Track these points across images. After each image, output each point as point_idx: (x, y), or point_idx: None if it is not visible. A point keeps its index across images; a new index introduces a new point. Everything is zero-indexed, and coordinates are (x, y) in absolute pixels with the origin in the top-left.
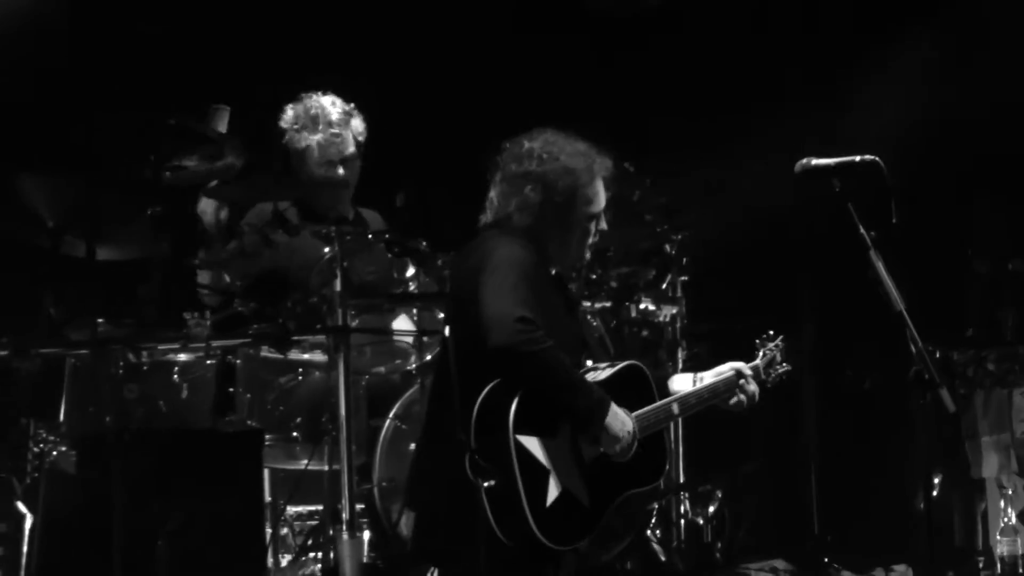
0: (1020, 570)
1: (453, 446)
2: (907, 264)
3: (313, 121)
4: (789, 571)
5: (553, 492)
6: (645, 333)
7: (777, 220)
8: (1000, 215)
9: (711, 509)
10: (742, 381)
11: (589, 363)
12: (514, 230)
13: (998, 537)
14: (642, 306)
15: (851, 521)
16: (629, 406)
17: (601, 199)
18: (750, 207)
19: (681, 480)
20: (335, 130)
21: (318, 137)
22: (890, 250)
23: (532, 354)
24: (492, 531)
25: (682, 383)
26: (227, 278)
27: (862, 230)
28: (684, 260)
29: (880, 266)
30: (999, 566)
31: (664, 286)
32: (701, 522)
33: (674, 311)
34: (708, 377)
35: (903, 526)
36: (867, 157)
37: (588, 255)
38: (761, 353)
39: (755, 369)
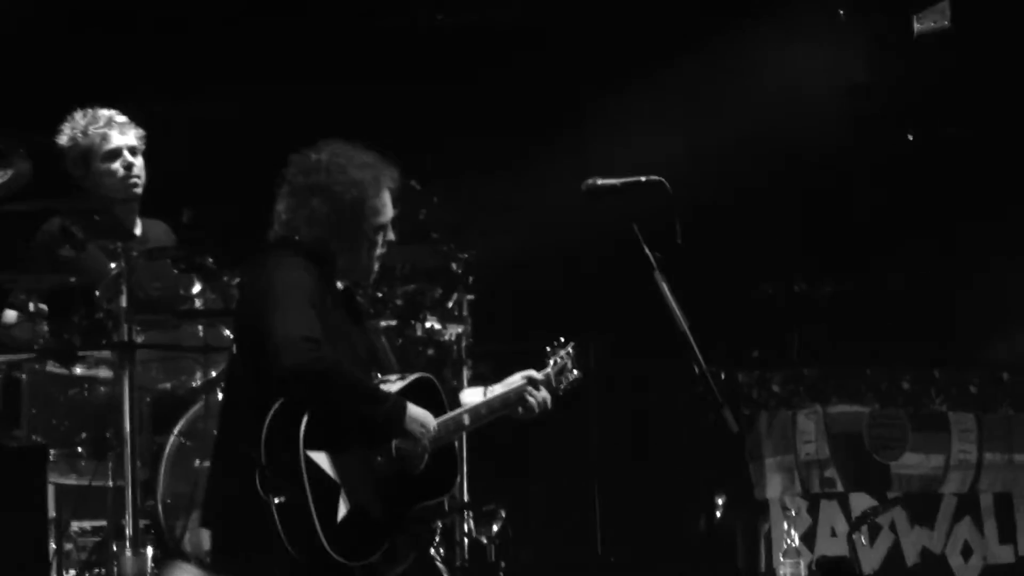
0: None
1: (244, 463)
2: (694, 284)
3: (93, 120)
4: None
5: (344, 507)
6: (431, 352)
7: (566, 239)
8: (788, 236)
9: (495, 528)
10: (530, 388)
11: (379, 376)
12: (299, 247)
13: (781, 559)
14: (428, 325)
15: (635, 542)
16: None
17: (388, 210)
18: (539, 226)
19: (465, 499)
20: (119, 119)
21: (101, 130)
22: (676, 270)
23: (321, 373)
24: (284, 548)
25: (472, 396)
26: (22, 296)
27: (647, 250)
28: (470, 279)
29: (665, 287)
30: None
31: (450, 305)
32: (485, 541)
33: (460, 330)
34: (499, 388)
35: (687, 547)
36: (652, 177)
37: (376, 267)
38: (552, 361)
39: (546, 376)
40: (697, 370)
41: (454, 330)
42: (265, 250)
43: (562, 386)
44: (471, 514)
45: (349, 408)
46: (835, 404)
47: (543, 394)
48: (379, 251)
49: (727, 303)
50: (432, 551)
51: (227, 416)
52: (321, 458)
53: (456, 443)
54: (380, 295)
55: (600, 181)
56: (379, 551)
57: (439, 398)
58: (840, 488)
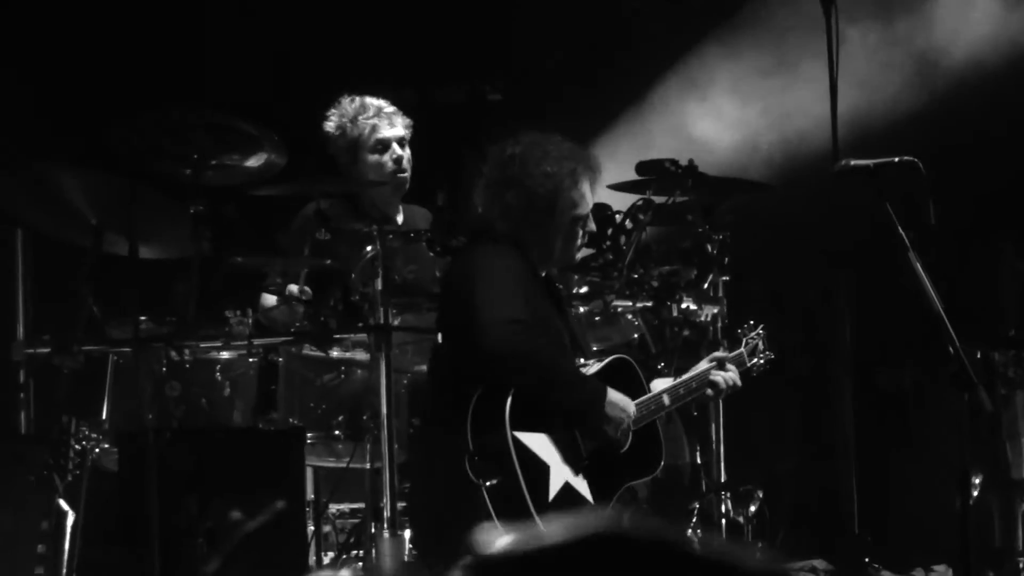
0: None
1: (451, 448)
2: (947, 264)
3: (361, 108)
4: (828, 571)
5: (555, 487)
6: (686, 333)
7: (813, 221)
8: None
9: (752, 508)
10: (716, 370)
11: (580, 360)
12: (500, 236)
13: None
14: (683, 305)
15: (890, 521)
16: None
17: (587, 202)
18: (784, 210)
19: (722, 479)
20: (387, 110)
21: (371, 121)
22: (928, 250)
23: (527, 354)
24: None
25: (662, 384)
26: (279, 280)
27: (900, 231)
28: (725, 260)
29: (918, 267)
30: None
31: (705, 286)
32: (742, 521)
33: (715, 311)
34: (690, 373)
35: (942, 526)
36: (906, 158)
37: (578, 257)
38: (744, 342)
39: (739, 356)
40: (952, 350)
41: (710, 310)
42: (470, 241)
43: (755, 366)
44: (728, 495)
45: (552, 390)
46: None
47: (730, 374)
48: (579, 242)
49: (983, 282)
50: (689, 532)
51: (433, 404)
52: (528, 439)
53: (666, 422)
54: (636, 276)
55: (853, 162)
56: None
57: (638, 378)
58: None
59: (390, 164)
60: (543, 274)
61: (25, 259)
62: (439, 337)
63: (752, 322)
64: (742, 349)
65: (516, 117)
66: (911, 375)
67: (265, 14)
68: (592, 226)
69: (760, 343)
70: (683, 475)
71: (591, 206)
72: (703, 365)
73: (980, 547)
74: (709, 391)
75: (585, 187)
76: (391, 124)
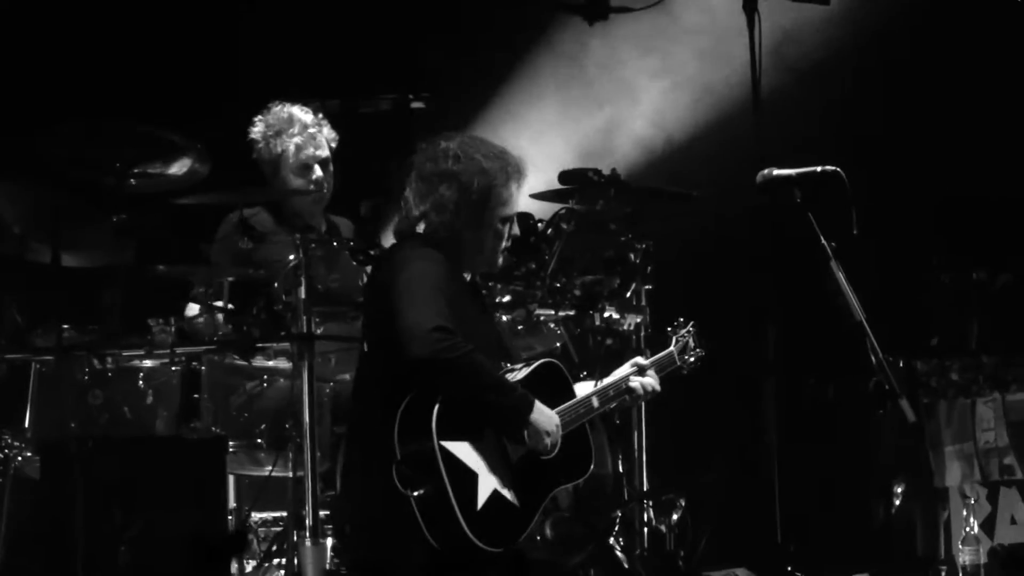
0: None
1: (378, 458)
2: (870, 274)
3: (288, 123)
4: None
5: (483, 495)
6: (609, 341)
7: (738, 228)
8: (965, 224)
9: (674, 517)
10: (636, 371)
11: (507, 364)
12: (427, 239)
13: (960, 546)
14: (606, 314)
15: (814, 530)
16: (548, 403)
17: (515, 203)
18: (708, 216)
19: (645, 488)
20: (311, 130)
21: (295, 139)
22: (851, 260)
23: (452, 361)
24: (425, 539)
25: (583, 389)
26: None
27: (823, 240)
28: (648, 269)
29: (841, 276)
30: (961, 575)
31: (628, 295)
32: (664, 530)
33: (638, 320)
34: (611, 378)
35: (866, 535)
36: (828, 167)
37: (501, 260)
38: (674, 340)
39: (667, 357)
40: (874, 359)
41: (633, 319)
42: (394, 246)
43: (687, 364)
44: (650, 503)
45: (478, 397)
46: (1014, 392)
47: (649, 380)
48: (504, 244)
49: (906, 292)
50: (611, 540)
51: (359, 414)
52: (455, 447)
53: (595, 427)
54: (558, 285)
55: (776, 171)
56: (521, 536)
57: (566, 382)
58: (1020, 475)
59: (309, 187)
60: (468, 278)
61: None
62: (365, 345)
63: (681, 320)
64: (671, 348)
65: (441, 126)
66: (836, 385)
67: (193, 26)
68: (516, 230)
69: (690, 340)
70: (606, 484)
71: (517, 208)
72: (624, 370)
73: (903, 555)
74: (627, 398)
75: (514, 187)
76: (316, 145)
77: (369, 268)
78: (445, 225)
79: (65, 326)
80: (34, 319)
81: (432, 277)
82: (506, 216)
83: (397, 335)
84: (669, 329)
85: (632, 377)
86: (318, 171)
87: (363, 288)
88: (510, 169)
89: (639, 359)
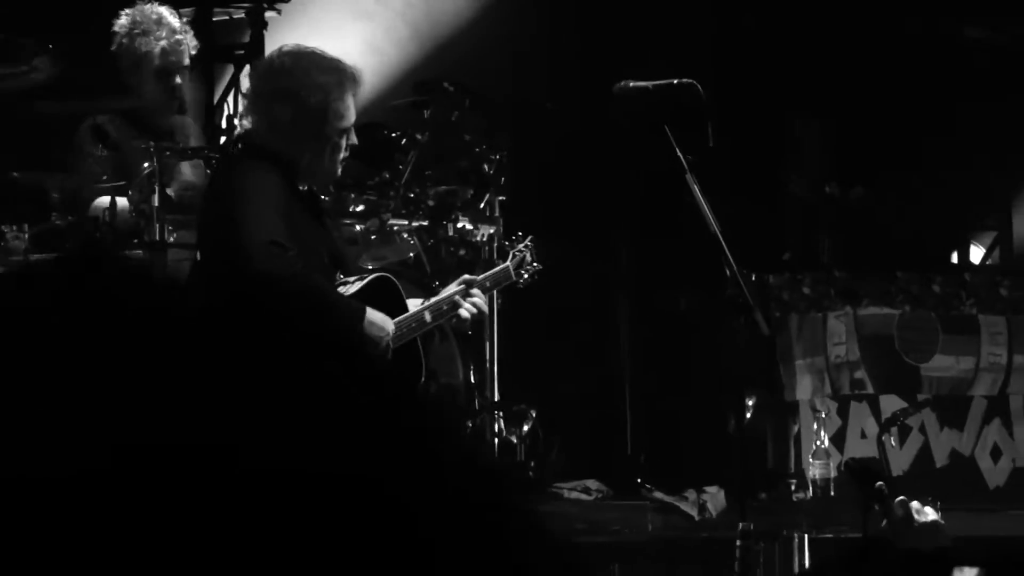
0: (832, 492)
1: None
2: (724, 188)
3: (157, 25)
4: (602, 492)
5: None
6: (462, 252)
7: (593, 140)
8: (817, 137)
9: (525, 428)
10: (463, 290)
11: (341, 277)
12: (260, 150)
13: (810, 460)
14: (459, 225)
15: (664, 443)
16: None
17: (352, 113)
18: (567, 128)
19: (495, 399)
20: (178, 36)
21: (162, 43)
22: (706, 173)
23: (284, 277)
24: None
25: (415, 304)
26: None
27: (679, 153)
28: (502, 180)
29: (696, 189)
30: (811, 488)
31: (482, 206)
32: (515, 441)
33: (491, 231)
34: (442, 294)
35: (716, 448)
36: (684, 80)
37: (339, 171)
38: (511, 255)
39: (502, 272)
40: (728, 272)
41: (486, 230)
42: (227, 157)
43: (523, 279)
44: (501, 414)
45: (309, 312)
46: (866, 306)
47: (476, 299)
48: (342, 155)
49: (758, 206)
50: None
51: None
52: None
53: (440, 340)
54: (412, 196)
55: (632, 84)
56: None
57: (400, 298)
58: (870, 390)
59: (166, 94)
60: (304, 188)
61: None
62: (197, 254)
63: (520, 234)
64: (507, 263)
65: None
66: (688, 298)
67: None
68: (355, 139)
69: (528, 255)
70: (457, 393)
71: (354, 119)
72: (452, 288)
73: (753, 468)
74: (455, 318)
75: (350, 99)
76: (180, 53)
77: None
78: (281, 141)
79: None
80: None
81: (265, 191)
82: (343, 128)
83: (231, 249)
84: (507, 243)
85: (458, 298)
86: (177, 79)
87: (202, 195)
88: (345, 81)
89: (467, 276)
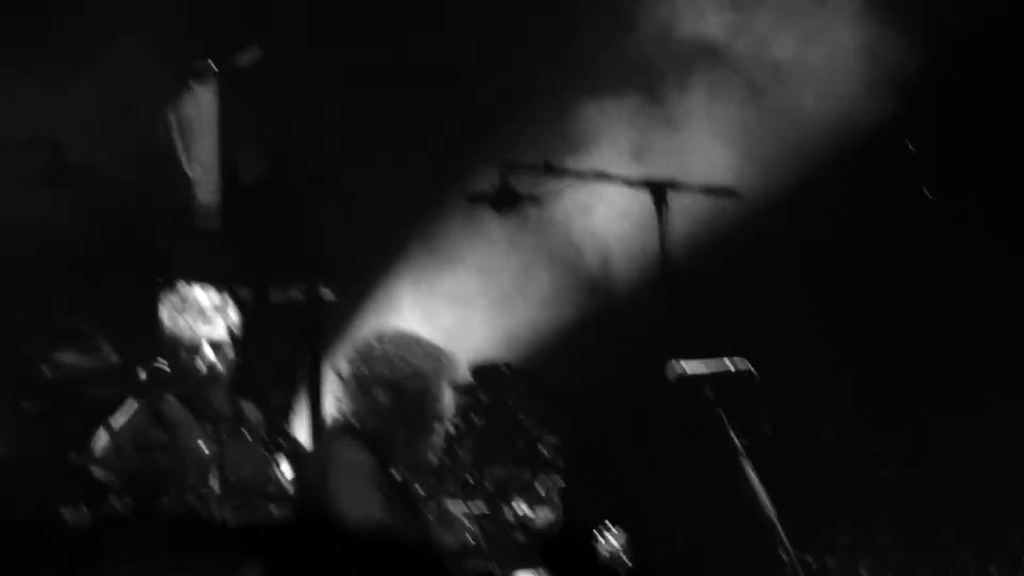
0: None
1: None
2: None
3: (185, 304)
4: None
5: None
6: (520, 536)
7: (649, 423)
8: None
9: None
10: None
11: None
12: (359, 432)
13: None
14: (517, 508)
15: None
16: None
17: (449, 401)
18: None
19: None
20: (208, 313)
21: (190, 319)
22: (761, 457)
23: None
24: None
25: None
26: (101, 474)
27: (732, 436)
28: (559, 462)
29: (751, 473)
30: None
31: (539, 488)
32: None
33: (549, 513)
34: None
35: None
36: (740, 365)
37: (435, 457)
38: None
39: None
40: (785, 557)
41: (543, 513)
42: (326, 435)
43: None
44: None
45: None
46: None
47: None
48: (438, 441)
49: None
50: None
51: None
52: None
53: None
54: (469, 479)
55: (688, 369)
56: None
57: None
58: None
59: (201, 365)
60: (395, 473)
61: None
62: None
63: (609, 523)
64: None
65: (351, 317)
66: None
67: None
68: (450, 427)
69: (619, 545)
70: None
71: (452, 407)
72: None
73: None
74: None
75: (447, 387)
76: (212, 326)
77: (279, 456)
78: (378, 424)
79: None
80: None
81: (363, 469)
82: (441, 415)
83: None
84: (599, 532)
85: None
86: (210, 353)
87: (299, 474)
88: (442, 369)
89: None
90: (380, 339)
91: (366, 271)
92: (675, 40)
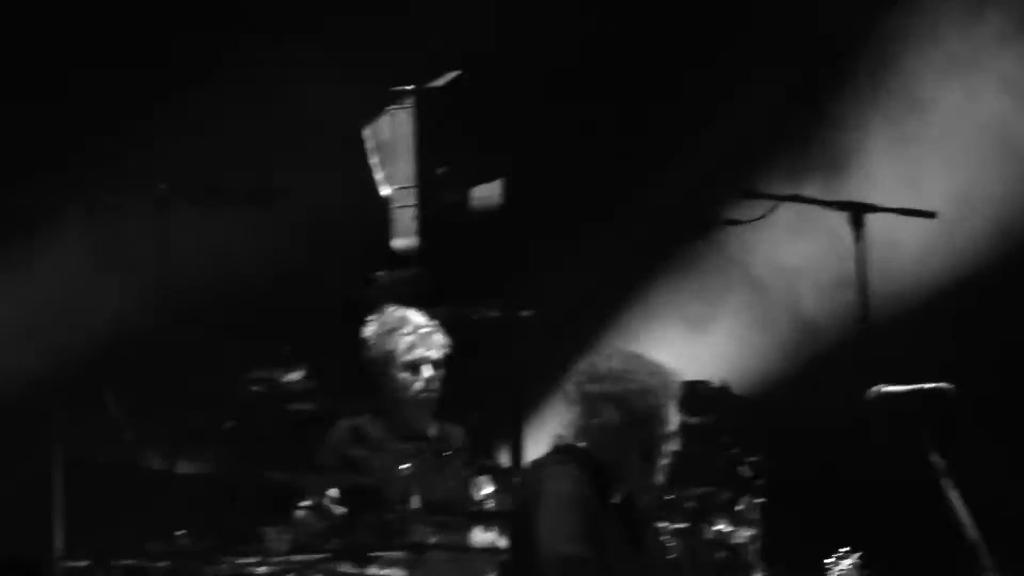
0: None
1: None
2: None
3: (401, 322)
4: None
5: None
6: (721, 555)
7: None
8: None
9: None
10: None
11: None
12: (578, 455)
13: None
14: (718, 527)
15: None
16: None
17: (676, 419)
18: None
19: None
20: (424, 330)
21: (407, 338)
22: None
23: None
24: None
25: None
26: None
27: (933, 457)
28: (760, 482)
29: (953, 495)
30: None
31: (740, 508)
32: None
33: (750, 533)
34: None
35: None
36: (938, 385)
37: (663, 478)
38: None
39: None
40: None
41: (744, 533)
42: (543, 458)
43: None
44: None
45: None
46: None
47: None
48: (666, 462)
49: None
50: None
51: None
52: None
53: None
54: (670, 498)
55: (886, 388)
56: None
57: None
58: None
59: (418, 386)
60: (617, 501)
61: (63, 473)
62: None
63: (846, 549)
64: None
65: (549, 335)
66: None
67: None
68: (676, 445)
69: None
70: None
71: (677, 425)
72: None
73: None
74: None
75: (673, 405)
76: (428, 345)
77: (481, 477)
78: (603, 445)
79: (180, 533)
80: (149, 524)
81: (572, 502)
82: (669, 434)
83: (537, 555)
84: (830, 559)
85: None
86: (427, 371)
87: (513, 496)
88: (670, 386)
89: None
90: (606, 357)
91: (568, 290)
92: None
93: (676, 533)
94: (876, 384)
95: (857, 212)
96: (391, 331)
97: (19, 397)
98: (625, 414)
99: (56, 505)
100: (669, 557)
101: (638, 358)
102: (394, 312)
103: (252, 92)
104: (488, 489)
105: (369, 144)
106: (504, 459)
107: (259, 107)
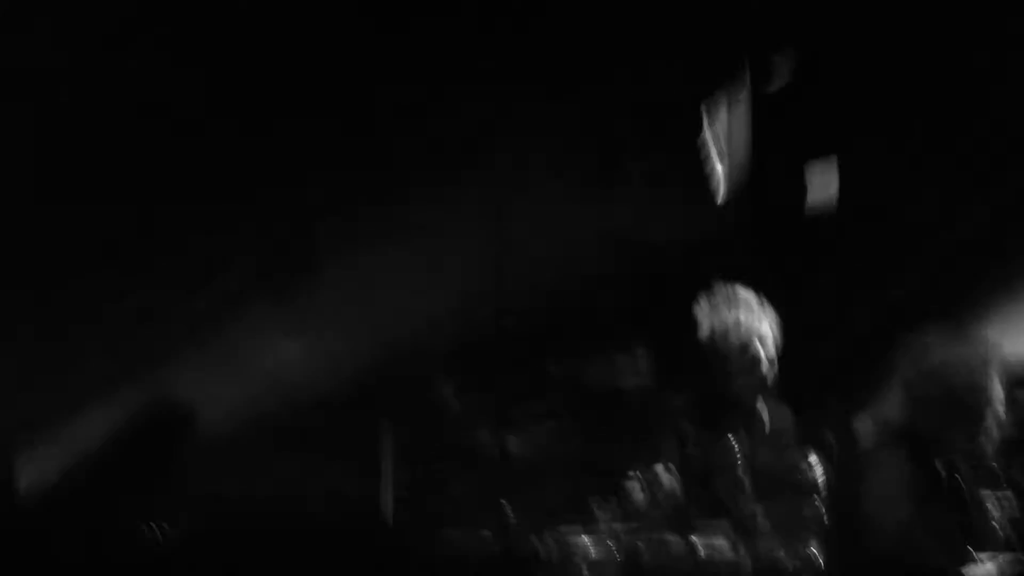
0: None
1: None
2: None
3: (730, 298)
4: None
5: None
6: None
7: None
8: None
9: None
10: None
11: None
12: (908, 432)
13: None
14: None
15: None
16: None
17: (999, 389)
18: None
19: None
20: (755, 310)
21: (738, 314)
22: None
23: None
24: None
25: None
26: None
27: None
28: None
29: None
30: None
31: None
32: None
33: None
34: None
35: None
36: None
37: (991, 447)
38: None
39: None
40: None
41: None
42: (873, 439)
43: None
44: None
45: None
46: None
47: None
48: (994, 431)
49: None
50: None
51: None
52: None
53: None
54: (998, 467)
55: None
56: None
57: None
58: None
59: (746, 364)
60: (941, 470)
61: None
62: None
63: None
64: None
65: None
66: None
67: None
68: (1002, 415)
69: None
70: None
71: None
72: None
73: None
74: None
75: (995, 373)
76: (758, 323)
77: (810, 450)
78: (931, 422)
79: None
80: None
81: (903, 472)
82: (991, 403)
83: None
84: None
85: None
86: (758, 347)
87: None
88: (988, 356)
89: None
90: (929, 340)
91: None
92: None
93: (1000, 501)
94: None
95: None
96: (719, 307)
97: (350, 382)
98: (946, 392)
99: (385, 485)
100: (994, 523)
101: (955, 333)
102: (726, 290)
103: None
104: (814, 462)
105: (710, 143)
106: (829, 435)
107: None
